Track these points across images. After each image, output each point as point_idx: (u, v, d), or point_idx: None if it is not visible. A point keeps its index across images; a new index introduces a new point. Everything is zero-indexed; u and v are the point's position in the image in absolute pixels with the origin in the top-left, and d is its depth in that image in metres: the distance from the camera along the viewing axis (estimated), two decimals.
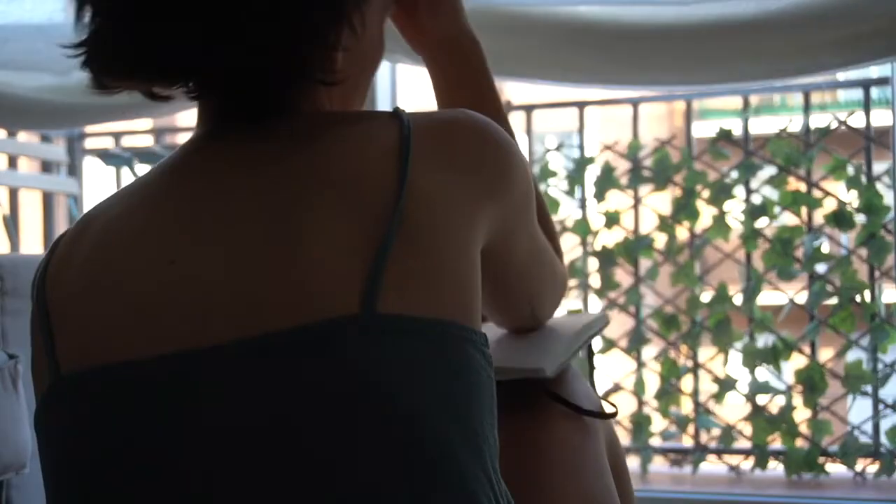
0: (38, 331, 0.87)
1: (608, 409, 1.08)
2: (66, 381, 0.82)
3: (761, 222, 2.73)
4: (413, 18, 1.13)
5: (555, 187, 2.90)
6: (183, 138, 3.68)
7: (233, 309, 0.77)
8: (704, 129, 3.91)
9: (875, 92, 2.75)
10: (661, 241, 2.84)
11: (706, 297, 2.78)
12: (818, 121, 2.73)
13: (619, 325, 2.88)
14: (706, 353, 2.83)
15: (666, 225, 2.82)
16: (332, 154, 0.83)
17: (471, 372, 0.79)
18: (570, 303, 2.91)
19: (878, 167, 2.64)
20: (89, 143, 3.32)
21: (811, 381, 2.61)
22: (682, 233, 2.82)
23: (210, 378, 0.76)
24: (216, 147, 0.89)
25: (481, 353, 0.80)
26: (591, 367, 1.14)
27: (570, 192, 2.91)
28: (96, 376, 0.80)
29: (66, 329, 0.83)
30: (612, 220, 2.84)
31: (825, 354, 2.78)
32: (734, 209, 2.76)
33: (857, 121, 2.69)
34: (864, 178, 2.60)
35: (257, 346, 0.75)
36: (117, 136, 3.41)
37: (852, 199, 2.60)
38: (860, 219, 2.59)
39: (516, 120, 3.26)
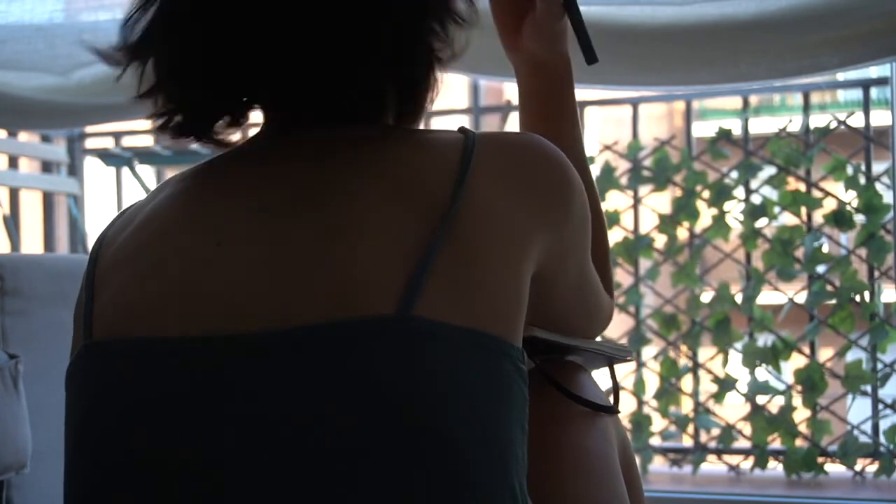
0: (83, 288, 0.87)
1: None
2: (97, 347, 0.82)
3: (761, 222, 2.73)
4: (515, 36, 1.14)
5: None
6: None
7: (269, 298, 0.77)
8: (704, 129, 3.91)
9: (874, 92, 2.76)
10: (661, 241, 2.84)
11: (706, 297, 2.78)
12: (818, 121, 2.73)
13: (619, 325, 2.88)
14: (706, 353, 2.83)
15: (666, 225, 2.82)
16: (390, 155, 0.84)
17: (503, 386, 0.78)
18: None
19: (878, 167, 2.64)
20: (89, 143, 3.32)
21: (811, 381, 2.61)
22: (682, 233, 2.82)
23: (238, 365, 0.76)
24: (281, 140, 0.90)
25: (516, 368, 0.79)
26: (616, 388, 1.14)
27: None
28: (127, 347, 0.80)
29: (105, 294, 0.84)
30: (612, 220, 2.84)
31: (825, 354, 2.79)
32: (734, 209, 2.76)
33: (857, 121, 2.69)
34: (863, 179, 2.60)
35: (288, 337, 0.75)
36: (117, 136, 3.41)
37: (852, 199, 2.60)
38: (860, 219, 2.59)
39: (517, 120, 3.26)
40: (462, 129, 0.88)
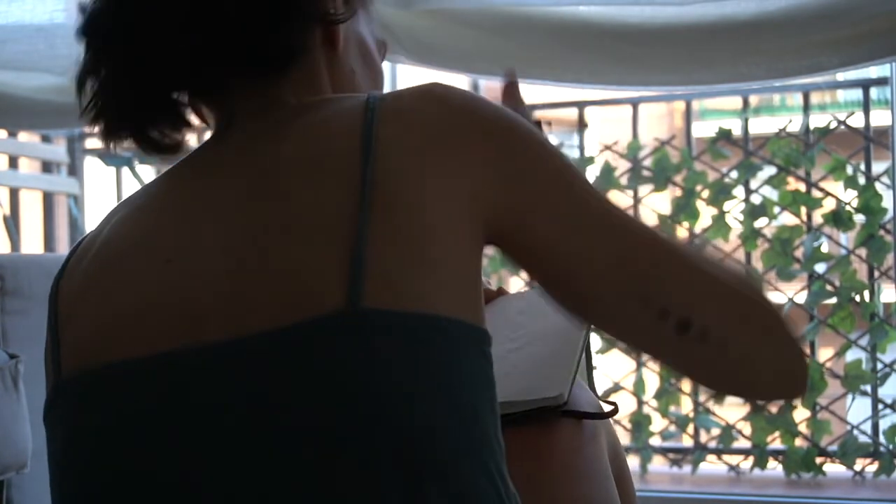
0: (48, 331, 0.87)
1: (606, 408, 1.07)
2: (66, 383, 0.82)
3: (761, 222, 2.73)
4: None
5: None
6: None
7: (222, 309, 0.77)
8: (704, 129, 3.91)
9: (874, 92, 2.76)
10: None
11: None
12: (818, 121, 2.73)
13: None
14: None
15: (666, 225, 2.81)
16: (297, 142, 0.82)
17: (467, 371, 0.76)
18: None
19: (878, 167, 2.64)
20: (89, 143, 3.32)
21: (810, 381, 2.60)
22: (682, 233, 2.82)
23: (200, 377, 0.76)
24: (210, 151, 0.90)
25: (481, 350, 0.77)
26: (590, 368, 1.13)
27: None
28: (93, 376, 0.80)
29: (68, 331, 0.84)
30: None
31: (824, 354, 2.79)
32: (734, 209, 2.76)
33: (857, 121, 2.69)
34: (863, 179, 2.60)
35: (247, 346, 0.75)
36: None
37: (851, 199, 2.60)
38: (859, 219, 2.59)
39: None
40: (368, 94, 0.83)
